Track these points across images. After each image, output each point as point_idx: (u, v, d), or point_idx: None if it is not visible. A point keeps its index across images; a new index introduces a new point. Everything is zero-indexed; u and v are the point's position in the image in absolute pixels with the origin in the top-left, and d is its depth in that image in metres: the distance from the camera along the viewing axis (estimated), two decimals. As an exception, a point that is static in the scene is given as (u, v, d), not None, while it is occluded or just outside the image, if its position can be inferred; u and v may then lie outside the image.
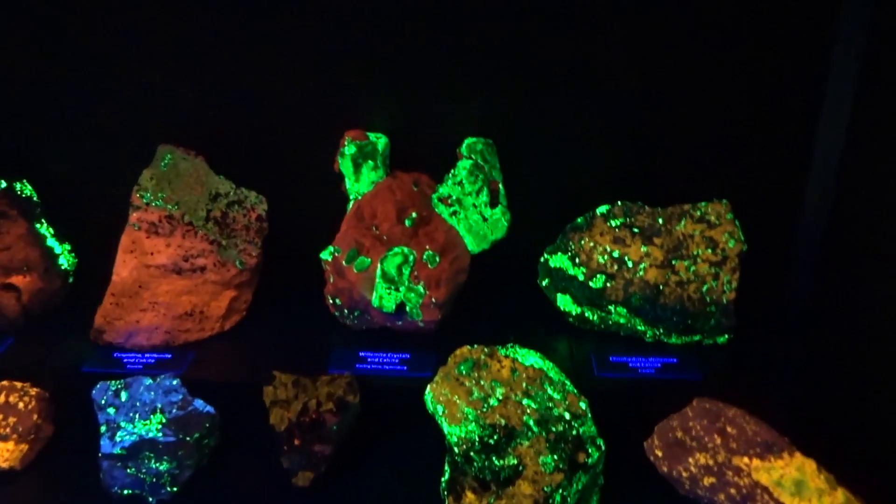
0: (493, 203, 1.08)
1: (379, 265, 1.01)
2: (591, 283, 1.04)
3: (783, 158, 1.11)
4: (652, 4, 1.03)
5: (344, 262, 1.03)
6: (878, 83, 1.00)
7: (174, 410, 0.87)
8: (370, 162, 1.08)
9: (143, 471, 0.85)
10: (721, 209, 1.04)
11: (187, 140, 1.10)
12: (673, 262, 1.02)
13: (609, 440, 0.84)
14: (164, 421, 0.87)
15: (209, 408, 0.89)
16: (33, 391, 0.93)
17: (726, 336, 1.04)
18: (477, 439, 0.81)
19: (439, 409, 0.84)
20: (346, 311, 1.05)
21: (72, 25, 1.07)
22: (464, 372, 0.88)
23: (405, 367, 1.00)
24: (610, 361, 1.01)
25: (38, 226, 1.10)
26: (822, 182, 1.09)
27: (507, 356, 0.91)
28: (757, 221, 1.08)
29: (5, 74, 1.10)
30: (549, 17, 1.04)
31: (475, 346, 0.92)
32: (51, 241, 1.11)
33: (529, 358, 0.91)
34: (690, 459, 0.82)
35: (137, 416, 0.87)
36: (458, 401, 0.85)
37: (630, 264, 1.03)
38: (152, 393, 0.89)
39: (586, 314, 1.06)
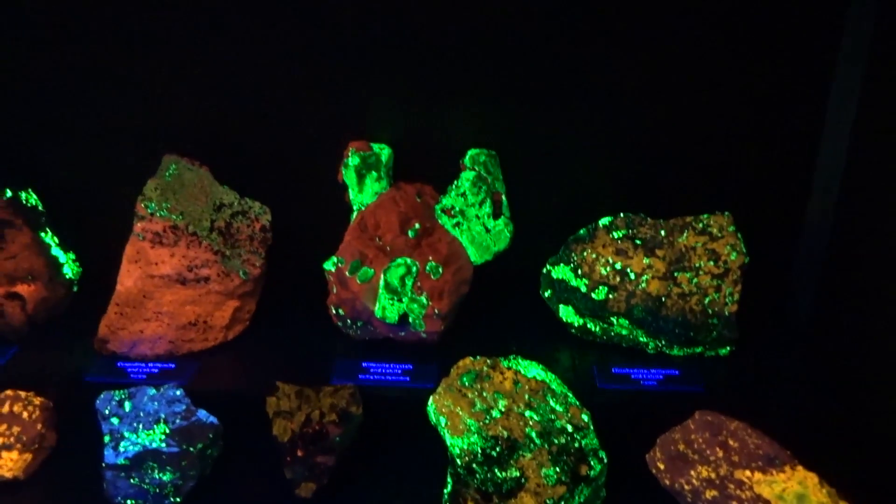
0: (495, 214, 1.08)
1: (382, 276, 1.02)
2: (593, 295, 1.04)
3: (785, 171, 1.11)
4: (655, 16, 1.04)
5: (347, 273, 1.03)
6: (881, 96, 1.01)
7: (178, 421, 0.88)
8: (374, 173, 1.09)
9: (147, 481, 0.86)
10: (723, 221, 1.05)
11: (192, 150, 1.11)
12: (675, 274, 1.02)
13: (611, 452, 0.84)
14: (167, 431, 0.87)
15: (212, 418, 0.90)
16: (37, 400, 0.93)
17: (728, 348, 1.04)
18: (479, 451, 0.81)
19: (442, 420, 0.84)
20: (349, 321, 1.05)
21: (77, 35, 1.08)
22: (466, 383, 0.88)
23: (408, 378, 1.00)
24: (612, 373, 1.01)
25: (42, 235, 1.11)
26: (824, 194, 1.09)
27: (509, 368, 0.91)
28: (759, 234, 1.08)
29: (11, 84, 1.11)
30: (553, 30, 1.05)
31: (478, 357, 0.92)
32: (55, 251, 1.11)
33: (532, 369, 0.91)
34: (692, 472, 0.82)
35: (141, 426, 0.87)
36: (460, 412, 0.85)
37: (632, 276, 1.03)
38: (156, 403, 0.89)
39: (589, 325, 1.07)
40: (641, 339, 1.05)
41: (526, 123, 1.11)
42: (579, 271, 1.05)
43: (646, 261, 1.03)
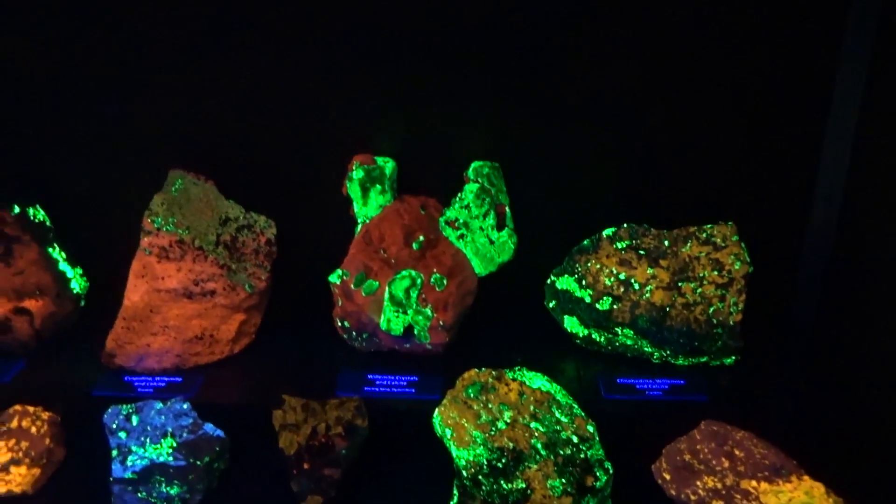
0: (499, 226, 1.09)
1: (387, 288, 1.02)
2: (597, 305, 1.04)
3: (788, 180, 1.11)
4: (657, 27, 1.05)
5: (352, 286, 1.03)
6: (884, 104, 1.01)
7: (184, 434, 0.88)
8: (378, 186, 1.10)
9: (154, 495, 0.86)
10: (727, 231, 1.05)
11: (198, 165, 1.11)
12: (679, 284, 1.03)
13: (617, 463, 0.84)
14: (174, 445, 0.87)
15: (219, 432, 0.90)
16: (45, 415, 0.94)
17: (733, 358, 1.04)
18: (485, 463, 0.81)
19: (447, 432, 0.85)
20: (354, 333, 1.06)
21: (84, 50, 1.09)
22: (472, 395, 0.89)
23: (413, 390, 1.00)
24: (617, 383, 1.01)
25: (50, 250, 1.11)
26: (827, 204, 1.10)
27: (514, 379, 0.91)
28: (763, 243, 1.08)
29: (19, 100, 1.12)
30: (555, 41, 1.06)
31: (483, 368, 0.93)
32: (63, 266, 1.12)
33: (537, 381, 0.91)
34: (699, 483, 0.82)
35: (148, 440, 0.87)
36: (466, 424, 0.85)
37: (636, 286, 1.03)
38: (163, 417, 0.89)
39: (593, 336, 1.07)
40: (646, 349, 1.05)
41: (529, 135, 1.11)
42: (583, 282, 1.06)
43: (650, 271, 1.04)
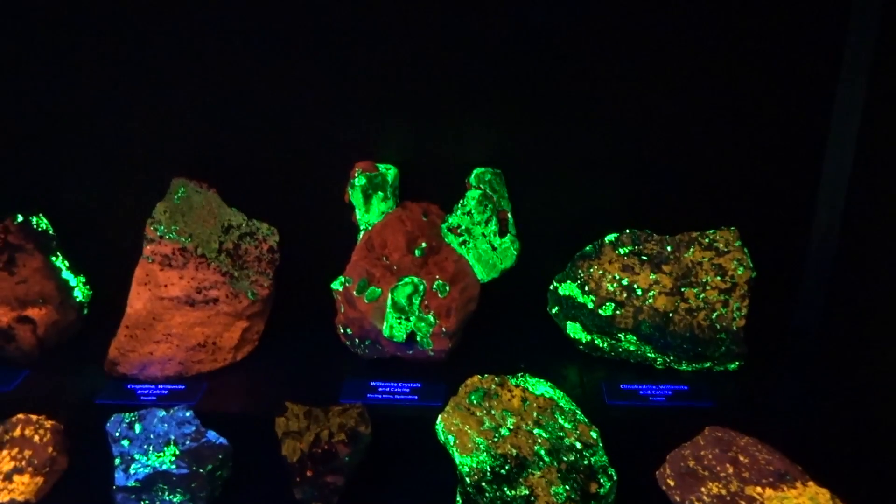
0: (501, 232, 1.09)
1: (389, 295, 1.02)
2: (600, 311, 1.04)
3: (791, 185, 1.11)
4: (659, 32, 1.05)
5: (355, 293, 1.03)
6: (886, 109, 1.01)
7: (187, 442, 0.88)
8: (380, 193, 1.10)
9: (157, 503, 0.86)
10: (729, 236, 1.05)
11: (200, 173, 1.12)
12: (682, 290, 1.02)
13: (621, 470, 0.84)
14: (177, 453, 0.87)
15: (222, 439, 0.90)
16: (48, 424, 0.94)
17: (737, 363, 1.04)
18: (488, 469, 0.81)
19: (450, 439, 0.85)
20: (356, 340, 1.06)
21: (85, 59, 1.09)
22: (475, 402, 0.88)
23: (416, 397, 1.00)
24: (621, 389, 1.01)
25: (53, 259, 1.12)
26: (830, 208, 1.09)
27: (517, 385, 0.91)
28: (766, 248, 1.08)
29: (20, 108, 1.12)
30: (556, 48, 1.06)
31: (485, 375, 0.93)
32: (66, 274, 1.12)
33: (540, 387, 0.91)
34: (703, 489, 0.82)
35: (151, 448, 0.87)
36: (469, 431, 0.85)
37: (639, 292, 1.03)
38: (166, 425, 0.89)
39: (596, 342, 1.07)
40: (649, 354, 1.05)
41: (530, 141, 1.11)
42: (586, 288, 1.06)
43: (652, 276, 1.03)
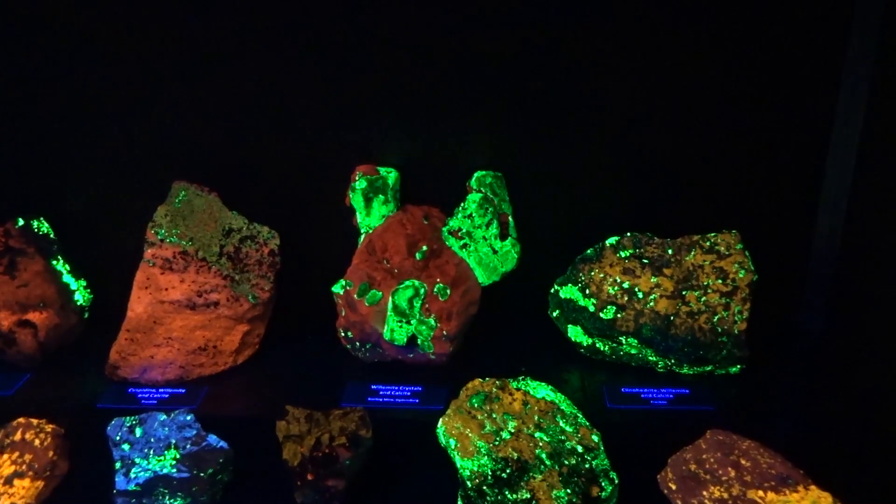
0: (502, 235, 1.09)
1: (390, 298, 1.02)
2: (601, 315, 1.04)
3: (793, 188, 1.11)
4: (660, 36, 1.05)
5: (355, 296, 1.03)
6: (889, 112, 1.01)
7: (188, 446, 0.88)
8: (381, 196, 1.10)
9: (158, 507, 0.86)
10: (731, 239, 1.05)
11: (201, 176, 1.12)
12: (683, 293, 1.02)
13: (622, 473, 0.84)
14: (178, 457, 0.87)
15: (223, 443, 0.90)
16: (49, 428, 0.93)
17: (738, 366, 1.04)
18: (489, 473, 0.81)
19: (451, 442, 0.84)
20: (357, 344, 1.05)
21: (87, 63, 1.09)
22: (476, 405, 0.88)
23: (417, 401, 1.00)
24: (622, 393, 1.01)
25: (54, 262, 1.12)
26: (832, 211, 1.09)
27: (518, 389, 0.91)
28: (768, 251, 1.08)
29: (21, 112, 1.13)
30: (557, 51, 1.06)
31: (487, 378, 0.92)
32: (67, 278, 1.12)
33: (541, 390, 0.91)
34: (705, 493, 0.82)
35: (152, 451, 0.87)
36: (470, 434, 0.85)
37: (640, 295, 1.03)
38: (166, 429, 0.89)
39: (597, 345, 1.07)
40: (651, 358, 1.04)
41: (531, 144, 1.11)
42: (587, 291, 1.05)
43: (653, 280, 1.03)
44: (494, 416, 0.87)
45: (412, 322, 1.02)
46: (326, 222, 1.15)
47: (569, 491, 0.80)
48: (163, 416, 0.90)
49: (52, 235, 1.14)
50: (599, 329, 1.05)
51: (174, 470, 0.86)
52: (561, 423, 0.87)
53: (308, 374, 1.07)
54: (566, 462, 0.82)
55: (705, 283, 1.02)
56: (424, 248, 1.06)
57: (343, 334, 1.06)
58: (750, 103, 1.07)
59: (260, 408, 1.00)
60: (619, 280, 1.04)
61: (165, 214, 1.05)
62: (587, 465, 0.82)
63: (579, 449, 0.84)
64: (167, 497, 0.86)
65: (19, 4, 1.06)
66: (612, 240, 1.08)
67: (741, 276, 1.02)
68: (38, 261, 1.10)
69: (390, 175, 1.11)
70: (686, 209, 1.13)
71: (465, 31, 1.06)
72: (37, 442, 0.92)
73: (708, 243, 1.05)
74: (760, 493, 0.80)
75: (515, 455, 0.82)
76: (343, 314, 1.05)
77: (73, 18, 1.07)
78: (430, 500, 0.89)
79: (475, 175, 1.10)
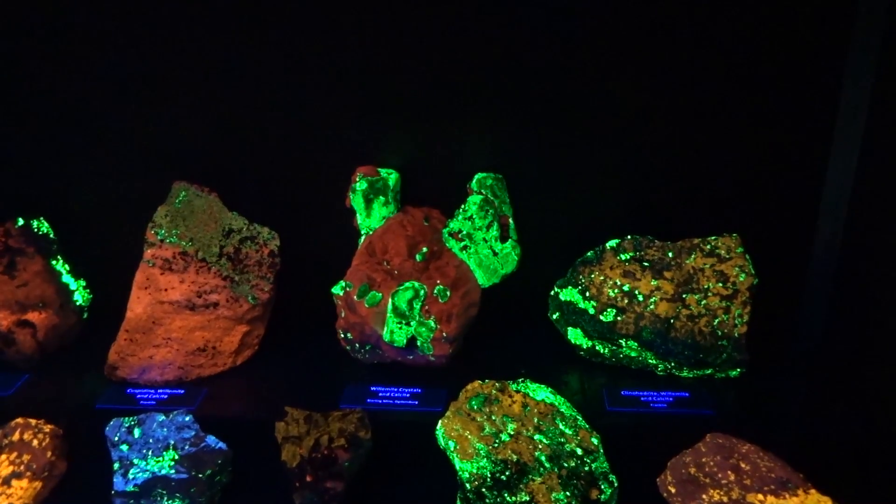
0: (503, 237, 1.09)
1: (390, 300, 1.02)
2: (601, 317, 1.04)
3: (794, 191, 1.11)
4: (661, 40, 1.05)
5: (355, 297, 1.03)
6: (890, 116, 1.01)
7: (187, 447, 0.88)
8: (381, 197, 1.10)
9: (156, 508, 0.86)
10: (731, 243, 1.04)
11: (201, 177, 1.12)
12: (684, 296, 1.02)
13: (622, 476, 0.83)
14: (176, 458, 0.87)
15: (221, 444, 0.90)
16: (47, 428, 0.93)
17: (739, 370, 1.04)
18: (489, 475, 0.81)
19: (451, 444, 0.84)
20: (357, 345, 1.05)
21: (87, 62, 1.09)
22: (475, 407, 0.88)
23: (416, 402, 1.00)
24: (622, 396, 1.01)
25: (54, 262, 1.12)
26: (833, 215, 1.09)
27: (518, 391, 0.91)
28: (768, 255, 1.08)
29: (21, 112, 1.12)
30: (559, 53, 1.06)
31: (486, 380, 0.92)
32: (66, 278, 1.12)
33: (541, 393, 0.91)
34: (704, 496, 0.82)
35: (150, 452, 0.87)
36: (469, 436, 0.84)
37: (640, 298, 1.03)
38: (165, 429, 0.89)
39: (597, 348, 1.06)
40: (651, 361, 1.04)
41: (532, 147, 1.11)
42: (587, 293, 1.05)
43: (654, 283, 1.03)
44: (494, 418, 0.87)
45: (412, 324, 1.02)
46: (326, 223, 1.15)
47: (568, 493, 0.80)
48: (161, 417, 0.90)
49: (51, 235, 1.14)
50: (599, 332, 1.05)
51: (172, 471, 0.86)
52: (560, 426, 0.87)
53: (307, 375, 1.07)
54: (566, 464, 0.82)
55: (706, 287, 1.02)
56: (425, 249, 1.06)
57: (343, 336, 1.06)
58: (751, 107, 1.07)
59: (259, 409, 1.00)
60: (619, 283, 1.04)
61: (165, 215, 1.05)
62: (587, 468, 0.82)
63: (579, 451, 0.84)
64: (165, 498, 0.86)
65: (19, 4, 1.06)
66: (612, 242, 1.07)
67: (742, 279, 1.02)
68: (37, 261, 1.09)
69: (391, 176, 1.11)
70: (687, 212, 1.13)
71: (466, 33, 1.06)
72: (35, 442, 0.92)
73: (708, 247, 1.05)
74: (760, 496, 0.80)
75: (515, 457, 0.82)
76: (343, 315, 1.05)
77: (74, 18, 1.07)
78: (429, 503, 0.89)
79: (476, 177, 1.10)
